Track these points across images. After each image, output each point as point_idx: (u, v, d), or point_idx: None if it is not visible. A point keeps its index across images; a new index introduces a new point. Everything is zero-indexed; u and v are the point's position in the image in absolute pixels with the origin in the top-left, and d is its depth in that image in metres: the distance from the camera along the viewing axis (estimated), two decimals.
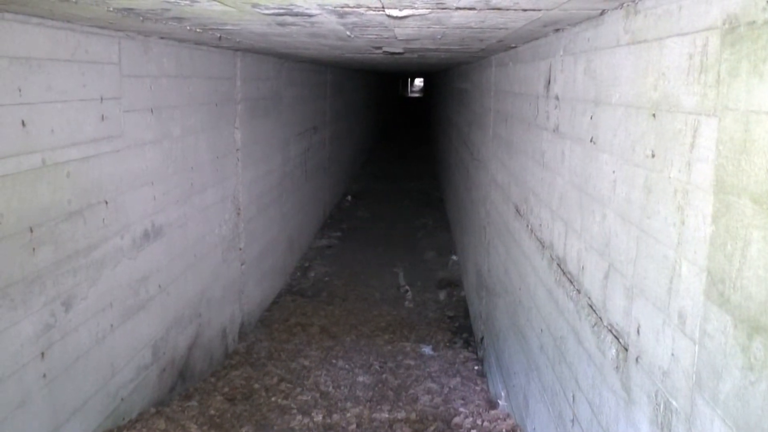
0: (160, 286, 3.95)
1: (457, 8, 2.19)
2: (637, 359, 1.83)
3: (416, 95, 46.10)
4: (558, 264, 2.82)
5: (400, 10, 2.27)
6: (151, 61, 3.71)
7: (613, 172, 2.07)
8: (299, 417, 4.22)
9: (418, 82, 50.34)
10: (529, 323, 3.46)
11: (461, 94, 8.67)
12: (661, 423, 1.64)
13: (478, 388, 4.80)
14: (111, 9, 2.38)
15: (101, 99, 3.17)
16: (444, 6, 2.14)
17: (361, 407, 4.42)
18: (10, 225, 2.53)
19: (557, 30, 2.85)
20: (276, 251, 6.92)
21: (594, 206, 2.29)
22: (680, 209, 1.55)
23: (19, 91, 2.55)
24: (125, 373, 3.54)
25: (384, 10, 2.29)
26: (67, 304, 2.94)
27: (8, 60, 2.49)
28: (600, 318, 2.19)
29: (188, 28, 3.10)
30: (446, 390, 4.75)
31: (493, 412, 4.28)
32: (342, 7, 2.25)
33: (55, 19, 2.71)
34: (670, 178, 1.62)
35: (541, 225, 3.21)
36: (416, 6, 2.16)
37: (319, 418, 4.22)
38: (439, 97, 15.90)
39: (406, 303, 6.95)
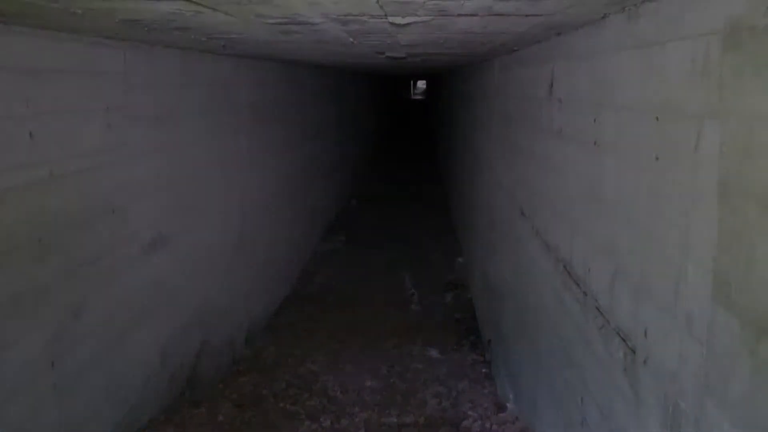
0: (167, 294, 3.97)
1: (460, 15, 2.20)
2: (645, 361, 1.84)
3: (419, 97, 46.07)
4: (564, 266, 2.83)
5: (403, 17, 2.29)
6: (156, 69, 3.74)
7: (618, 175, 2.08)
8: (308, 422, 4.23)
9: (421, 84, 50.32)
10: (536, 325, 3.46)
11: (464, 97, 8.68)
12: (671, 425, 1.65)
13: (486, 391, 4.80)
14: (117, 20, 2.40)
15: (107, 109, 3.20)
16: (446, 13, 2.15)
17: (369, 412, 4.42)
18: (20, 236, 2.56)
19: (560, 33, 2.86)
20: (282, 257, 6.94)
21: (599, 209, 2.30)
22: (685, 212, 1.56)
23: (27, 102, 2.57)
24: (134, 382, 3.56)
25: (387, 18, 2.30)
26: (76, 314, 2.96)
27: (16, 72, 2.51)
28: (607, 320, 2.19)
29: (193, 37, 3.12)
30: (454, 393, 4.75)
31: (501, 415, 4.28)
32: (345, 16, 2.27)
33: (62, 30, 2.73)
34: (674, 181, 1.63)
35: (546, 227, 3.22)
36: (419, 13, 2.17)
37: (327, 423, 4.23)
38: (442, 100, 15.90)
39: (413, 306, 6.95)
